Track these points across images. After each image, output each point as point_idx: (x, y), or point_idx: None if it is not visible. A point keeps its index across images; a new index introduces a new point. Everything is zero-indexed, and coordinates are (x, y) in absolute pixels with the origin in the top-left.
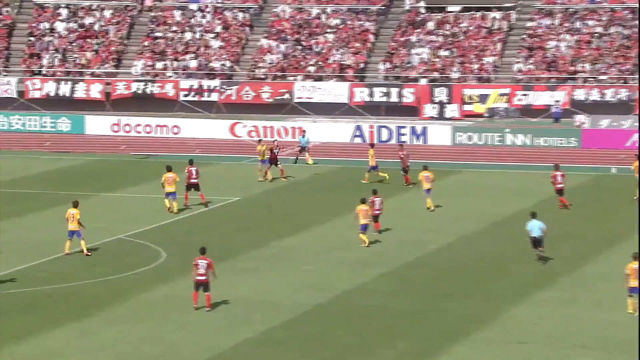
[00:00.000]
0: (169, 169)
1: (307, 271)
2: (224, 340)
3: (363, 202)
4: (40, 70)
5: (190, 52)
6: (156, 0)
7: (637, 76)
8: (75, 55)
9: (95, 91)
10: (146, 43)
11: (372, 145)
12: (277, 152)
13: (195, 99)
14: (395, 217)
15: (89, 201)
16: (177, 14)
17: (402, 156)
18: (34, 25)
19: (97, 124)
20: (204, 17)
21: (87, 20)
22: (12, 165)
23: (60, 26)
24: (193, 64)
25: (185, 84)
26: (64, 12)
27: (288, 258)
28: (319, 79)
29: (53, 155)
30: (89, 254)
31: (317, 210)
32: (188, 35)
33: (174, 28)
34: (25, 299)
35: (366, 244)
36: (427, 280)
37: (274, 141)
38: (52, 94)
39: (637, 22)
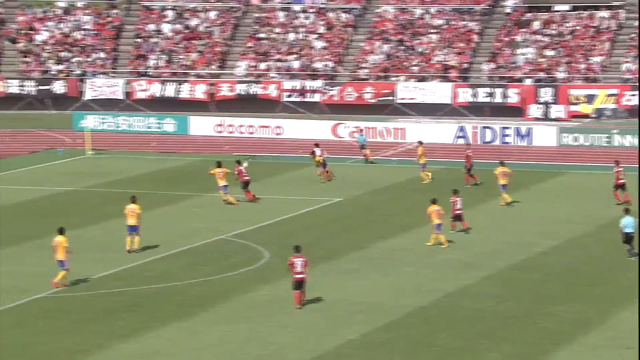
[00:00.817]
0: (219, 165)
1: (409, 273)
2: (327, 341)
3: (434, 202)
4: (146, 72)
5: (293, 52)
6: (262, 2)
7: (638, 77)
8: (181, 57)
9: (200, 92)
10: (250, 44)
11: (421, 142)
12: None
13: (298, 99)
14: (500, 219)
15: (192, 201)
16: (281, 15)
17: (468, 155)
18: (141, 27)
19: (201, 125)
20: (307, 18)
21: (193, 22)
22: (119, 166)
23: (166, 28)
24: (296, 64)
25: (288, 84)
26: (170, 13)
27: (390, 259)
28: (422, 79)
29: (158, 155)
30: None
31: (419, 212)
32: (291, 36)
33: (278, 29)
34: (131, 298)
35: (445, 245)
36: (533, 283)
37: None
38: (157, 94)
39: None
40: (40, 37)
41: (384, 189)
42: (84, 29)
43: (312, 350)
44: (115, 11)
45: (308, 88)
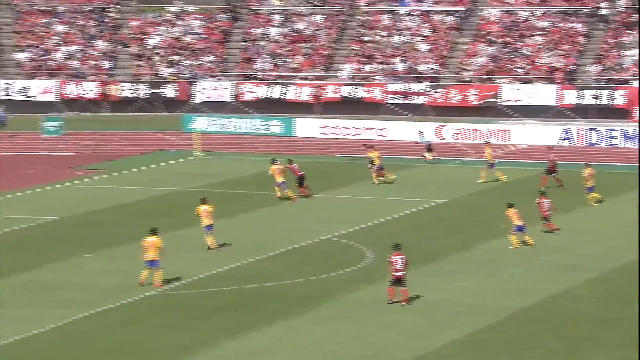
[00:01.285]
0: (273, 162)
1: (512, 275)
2: (430, 341)
3: (511, 206)
4: (253, 74)
5: (398, 55)
6: (367, 5)
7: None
8: (287, 59)
9: (305, 94)
10: (355, 47)
11: (487, 142)
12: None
13: (402, 101)
14: (605, 222)
15: (297, 202)
16: (386, 18)
17: (551, 159)
18: (249, 31)
19: (307, 126)
20: (412, 20)
21: (299, 25)
22: (226, 167)
23: (273, 31)
24: (400, 67)
25: (392, 87)
26: (277, 18)
27: (493, 261)
28: (527, 81)
29: (264, 157)
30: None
31: (523, 213)
32: (396, 39)
33: (383, 32)
34: (238, 297)
35: (515, 246)
36: (637, 286)
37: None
38: (264, 97)
39: None
40: (152, 42)
41: (487, 190)
42: (194, 33)
43: (415, 350)
44: (224, 16)
45: (412, 90)
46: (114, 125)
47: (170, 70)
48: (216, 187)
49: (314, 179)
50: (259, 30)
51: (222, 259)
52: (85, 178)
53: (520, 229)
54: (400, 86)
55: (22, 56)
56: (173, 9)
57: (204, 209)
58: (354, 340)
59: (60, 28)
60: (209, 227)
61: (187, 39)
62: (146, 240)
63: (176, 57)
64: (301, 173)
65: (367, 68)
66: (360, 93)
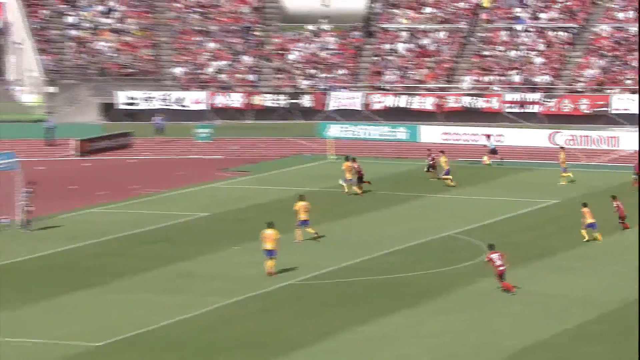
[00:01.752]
0: (347, 159)
1: (621, 270)
2: (542, 330)
3: (585, 205)
4: (382, 86)
5: (514, 68)
6: (487, 23)
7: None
8: (413, 72)
9: (429, 104)
10: (475, 60)
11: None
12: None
13: (518, 110)
14: None
15: (422, 201)
16: (504, 35)
17: None
18: (378, 46)
19: (430, 133)
20: (528, 36)
21: (424, 41)
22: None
23: (400, 47)
24: (517, 79)
25: (509, 97)
26: (404, 34)
27: (604, 257)
28: (636, 91)
29: (391, 160)
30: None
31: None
32: (513, 53)
33: (501, 47)
34: (367, 287)
35: (586, 239)
36: None
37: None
38: (391, 106)
39: None
40: (292, 57)
41: (599, 192)
42: (329, 49)
43: (528, 338)
44: (356, 33)
45: (528, 100)
46: (257, 131)
47: (308, 82)
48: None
49: (437, 181)
50: (387, 46)
51: (353, 253)
52: (232, 179)
53: (591, 225)
54: (516, 96)
55: (178, 70)
56: (310, 27)
57: (302, 204)
58: (471, 329)
59: (212, 45)
60: (305, 222)
61: (323, 54)
62: (264, 232)
63: (313, 71)
64: (362, 173)
65: (486, 79)
66: (480, 103)
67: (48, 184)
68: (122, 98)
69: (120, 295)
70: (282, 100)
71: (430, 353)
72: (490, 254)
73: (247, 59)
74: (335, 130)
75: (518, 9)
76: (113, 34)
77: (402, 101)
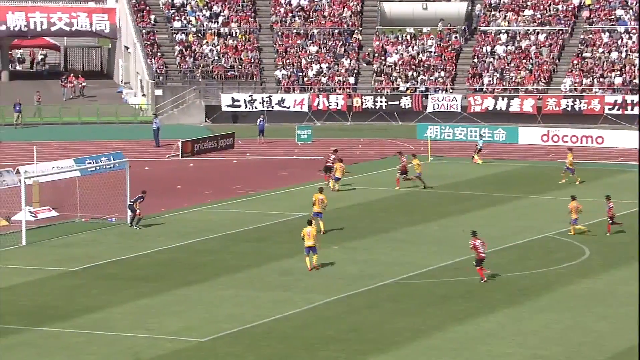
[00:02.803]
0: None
1: None
2: None
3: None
4: (481, 88)
5: (615, 70)
6: (588, 24)
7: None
8: (512, 74)
9: (528, 106)
10: (575, 62)
11: (570, 149)
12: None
13: (619, 112)
14: None
15: (520, 202)
16: (605, 36)
17: None
18: (477, 49)
19: (529, 135)
20: (630, 38)
21: (523, 43)
22: (455, 170)
23: (500, 49)
24: (618, 80)
25: (610, 98)
26: (503, 37)
27: None
28: None
29: (490, 162)
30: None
31: None
32: (614, 55)
33: (601, 49)
34: (466, 286)
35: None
36: None
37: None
38: (490, 108)
39: None
40: (391, 59)
41: None
42: (428, 52)
43: (629, 340)
44: (455, 36)
45: (629, 102)
46: (356, 133)
47: (407, 84)
48: (445, 189)
49: (538, 182)
50: (487, 49)
51: (453, 252)
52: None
53: (574, 221)
54: (618, 98)
55: (280, 73)
56: (410, 30)
57: (320, 197)
58: (572, 328)
59: (313, 49)
60: (319, 214)
61: (422, 56)
62: (305, 230)
63: (412, 73)
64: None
65: (586, 81)
66: (580, 105)
67: (155, 184)
68: (226, 100)
69: (224, 291)
70: (381, 102)
71: (529, 351)
72: (474, 241)
73: (346, 62)
74: (433, 131)
75: (619, 10)
76: (218, 37)
77: (500, 103)
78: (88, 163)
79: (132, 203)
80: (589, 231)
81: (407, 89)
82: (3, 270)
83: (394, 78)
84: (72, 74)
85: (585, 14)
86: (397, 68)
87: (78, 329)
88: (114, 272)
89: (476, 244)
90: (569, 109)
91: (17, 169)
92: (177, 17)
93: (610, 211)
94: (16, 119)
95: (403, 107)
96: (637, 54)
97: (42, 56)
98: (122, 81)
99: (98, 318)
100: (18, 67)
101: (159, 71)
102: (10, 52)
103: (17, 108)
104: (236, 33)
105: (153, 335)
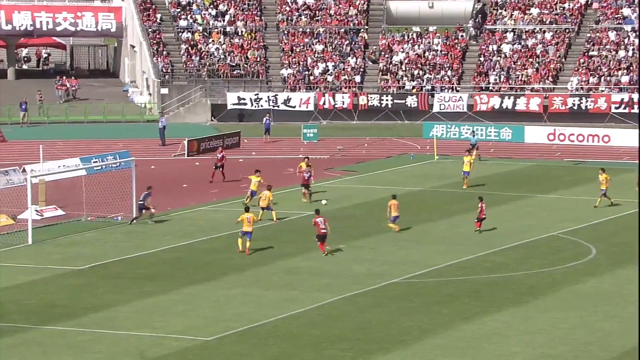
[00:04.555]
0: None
1: None
2: None
3: (394, 197)
4: (487, 87)
5: (622, 68)
6: (594, 23)
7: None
8: (518, 73)
9: (534, 104)
10: (582, 61)
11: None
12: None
13: (626, 111)
14: None
15: (526, 201)
16: (612, 35)
17: None
18: (484, 47)
19: (535, 134)
20: (637, 37)
21: (530, 42)
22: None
23: (506, 48)
24: (625, 79)
25: (616, 97)
26: (509, 35)
27: None
28: None
29: (496, 160)
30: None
31: None
32: (621, 53)
33: (608, 47)
34: (473, 285)
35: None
36: None
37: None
38: (496, 107)
39: None
40: (397, 58)
41: None
42: (434, 50)
43: (636, 340)
44: (461, 34)
45: (635, 100)
46: (362, 132)
47: (413, 83)
48: (450, 187)
49: (542, 181)
50: (493, 47)
51: (459, 251)
52: (338, 178)
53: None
54: (624, 96)
55: (286, 72)
56: (416, 29)
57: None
58: (579, 327)
59: (319, 47)
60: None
61: (428, 55)
62: (243, 216)
63: (418, 72)
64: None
65: (593, 80)
66: (586, 103)
67: (161, 183)
68: (232, 99)
69: (230, 290)
70: (387, 101)
71: (536, 350)
72: (316, 218)
73: (352, 61)
74: (439, 130)
75: (626, 9)
76: (224, 36)
77: (506, 102)
78: (94, 162)
79: (142, 202)
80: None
81: (413, 87)
82: (9, 269)
83: (400, 77)
84: (65, 76)
85: (595, 5)
86: (403, 67)
87: (83, 328)
88: (119, 271)
89: (317, 221)
90: (575, 107)
91: (24, 168)
92: (183, 16)
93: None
94: (22, 118)
95: (409, 105)
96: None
97: (47, 55)
98: (128, 80)
99: (104, 317)
100: (24, 66)
101: (164, 70)
102: (16, 51)
103: (23, 107)
104: (242, 32)
105: (159, 334)
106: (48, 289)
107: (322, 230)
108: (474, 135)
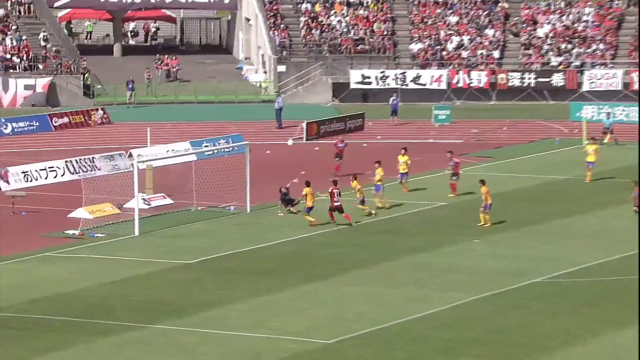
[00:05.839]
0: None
1: None
2: None
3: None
4: None
5: None
6: None
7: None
8: None
9: None
10: None
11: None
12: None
13: None
14: None
15: None
16: None
17: None
18: None
19: None
20: None
21: None
22: (614, 156)
23: None
24: None
25: None
26: None
27: None
28: None
29: (622, 144)
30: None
31: None
32: None
33: None
34: (622, 287)
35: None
36: None
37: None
38: None
39: None
40: (541, 30)
41: None
42: (585, 21)
43: None
44: (616, 2)
45: None
46: (500, 113)
47: (559, 58)
48: (601, 175)
49: None
50: None
51: (608, 248)
52: (471, 165)
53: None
54: None
55: (415, 47)
56: None
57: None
58: None
59: (453, 19)
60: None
61: (578, 26)
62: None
63: (565, 46)
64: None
65: None
66: None
67: (277, 169)
68: (356, 77)
69: (352, 287)
70: (530, 79)
71: None
72: (333, 189)
73: (491, 34)
74: (589, 111)
75: None
76: (347, 7)
77: None
78: (205, 146)
79: (286, 192)
80: None
81: (560, 64)
82: (115, 262)
83: (544, 52)
84: (166, 56)
85: None
86: (548, 40)
87: (192, 327)
88: (231, 266)
89: (334, 191)
90: None
91: (130, 152)
92: None
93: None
94: (129, 98)
95: (555, 84)
96: None
97: (155, 29)
98: (242, 56)
99: (214, 315)
100: (131, 41)
101: (282, 45)
102: (123, 25)
103: (130, 86)
104: (367, 2)
105: (274, 336)
106: (155, 284)
107: (336, 203)
108: (608, 117)
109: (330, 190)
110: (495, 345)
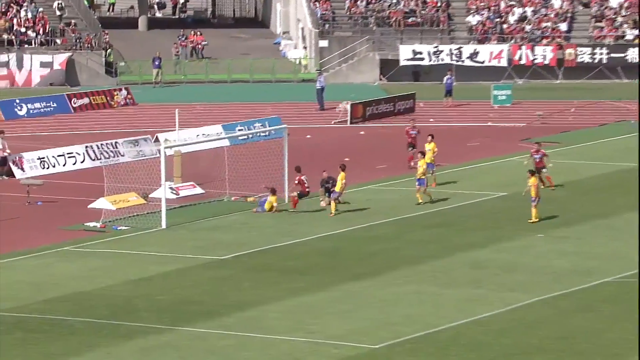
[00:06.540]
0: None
1: None
2: None
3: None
4: None
5: None
6: None
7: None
8: None
9: None
10: None
11: None
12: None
13: None
14: None
15: None
16: None
17: None
18: None
19: None
20: None
21: None
22: None
23: None
24: None
25: None
26: None
27: None
28: None
29: None
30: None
31: None
32: None
33: None
34: None
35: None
36: None
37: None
38: None
39: None
40: (615, 0)
41: None
42: None
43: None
44: None
45: None
46: (568, 93)
47: (635, 32)
48: None
49: None
50: None
51: None
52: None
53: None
54: None
55: (473, 19)
56: None
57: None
58: None
59: None
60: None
61: None
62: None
63: None
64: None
65: None
66: None
67: (318, 155)
68: (406, 53)
69: (401, 287)
70: (601, 55)
71: None
72: (301, 176)
73: (558, 5)
74: None
75: None
76: None
77: None
78: (239, 130)
79: (327, 180)
80: None
81: (635, 37)
82: (140, 258)
83: (618, 24)
84: (192, 32)
85: None
86: (623, 11)
87: (227, 330)
88: (267, 263)
89: (302, 179)
90: None
91: (156, 137)
92: None
93: None
94: (155, 77)
95: (629, 60)
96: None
97: (184, 0)
98: (280, 30)
99: (250, 317)
100: (158, 14)
101: (324, 18)
102: None
103: (157, 63)
104: None
105: (315, 340)
106: (184, 283)
107: (307, 189)
108: None
109: (298, 178)
110: (559, 353)
